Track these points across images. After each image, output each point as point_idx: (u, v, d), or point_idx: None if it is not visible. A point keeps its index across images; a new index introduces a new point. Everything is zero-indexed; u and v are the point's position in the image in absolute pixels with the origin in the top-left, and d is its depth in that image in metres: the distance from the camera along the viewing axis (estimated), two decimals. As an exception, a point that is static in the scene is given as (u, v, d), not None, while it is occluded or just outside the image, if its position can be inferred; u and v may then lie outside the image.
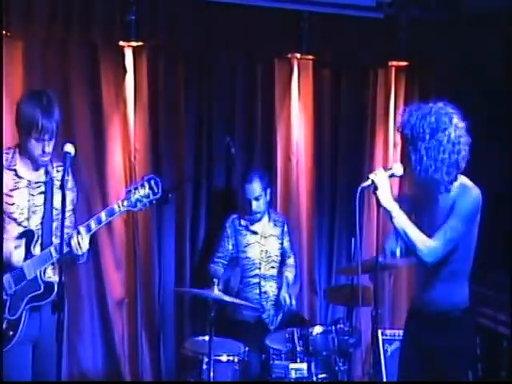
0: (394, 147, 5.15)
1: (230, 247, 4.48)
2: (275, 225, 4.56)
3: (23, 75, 4.25)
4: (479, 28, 4.75)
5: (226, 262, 4.50)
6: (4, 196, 3.17)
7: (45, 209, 3.20)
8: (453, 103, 2.95)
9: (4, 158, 3.21)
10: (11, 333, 3.10)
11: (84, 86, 4.41)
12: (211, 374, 3.60)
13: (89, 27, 4.28)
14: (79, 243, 3.09)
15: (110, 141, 4.50)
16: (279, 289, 4.48)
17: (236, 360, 3.84)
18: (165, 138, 4.64)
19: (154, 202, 3.23)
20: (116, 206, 3.18)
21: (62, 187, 2.97)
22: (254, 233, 4.48)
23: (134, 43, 4.42)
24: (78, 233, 3.09)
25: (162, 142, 4.64)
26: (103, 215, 3.16)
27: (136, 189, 3.19)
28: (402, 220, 2.86)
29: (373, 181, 2.83)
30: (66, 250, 3.08)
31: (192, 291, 4.18)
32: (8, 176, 3.19)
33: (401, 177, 2.94)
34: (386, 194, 2.84)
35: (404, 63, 5.04)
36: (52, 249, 3.12)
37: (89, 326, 4.53)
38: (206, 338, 3.70)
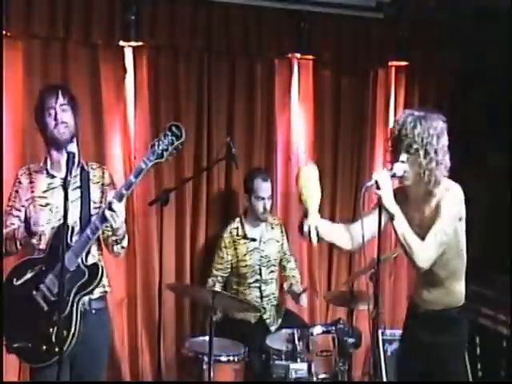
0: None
1: (230, 257, 4.43)
2: (273, 228, 4.54)
3: (23, 75, 4.25)
4: (479, 28, 4.76)
5: (225, 274, 4.46)
6: (36, 199, 3.17)
7: (81, 203, 3.16)
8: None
9: (36, 167, 3.25)
10: (65, 332, 3.00)
11: (84, 86, 4.40)
12: (211, 373, 3.60)
13: (89, 27, 4.27)
14: (115, 212, 3.00)
15: (109, 141, 4.49)
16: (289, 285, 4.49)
17: (236, 360, 3.85)
18: (165, 138, 4.63)
19: (180, 146, 3.11)
20: (142, 164, 3.08)
21: (65, 188, 2.93)
22: (253, 239, 4.45)
23: (133, 43, 4.40)
24: (110, 204, 3.01)
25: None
26: (132, 177, 3.07)
27: (159, 140, 3.08)
28: (402, 223, 2.84)
29: (376, 180, 2.80)
30: (103, 226, 3.06)
31: (193, 291, 4.14)
32: (40, 178, 3.21)
33: (400, 177, 2.93)
34: (389, 195, 2.82)
35: (404, 63, 5.04)
36: (88, 231, 3.06)
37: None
38: (206, 338, 3.71)
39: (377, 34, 4.93)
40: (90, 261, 3.16)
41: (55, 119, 3.12)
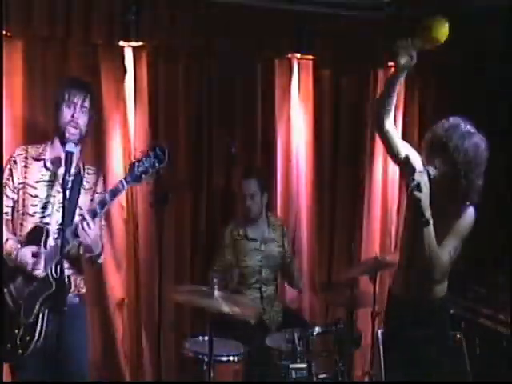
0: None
1: (229, 257, 4.45)
2: (274, 229, 4.55)
3: (23, 75, 4.25)
4: (479, 27, 4.75)
5: (226, 271, 4.48)
6: (27, 187, 3.11)
7: (64, 206, 3.03)
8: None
9: (33, 151, 3.18)
10: (28, 338, 2.99)
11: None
12: (211, 373, 3.60)
13: (89, 27, 4.27)
14: (85, 230, 2.97)
15: (110, 141, 4.49)
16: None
17: (236, 360, 3.84)
18: (165, 138, 4.64)
19: (161, 170, 3.07)
20: (120, 185, 3.04)
21: (63, 187, 2.91)
22: (253, 240, 4.46)
23: (134, 43, 4.41)
24: (83, 219, 2.98)
25: (161, 142, 4.63)
26: (107, 197, 3.03)
27: (140, 161, 3.03)
28: (431, 231, 2.83)
29: (419, 182, 2.73)
30: (75, 241, 3.02)
31: (191, 302, 4.02)
32: (35, 166, 3.13)
33: (431, 179, 2.84)
34: (427, 199, 2.76)
35: (404, 63, 5.02)
36: (59, 242, 2.99)
37: (89, 326, 4.52)
38: (206, 338, 3.70)
39: (377, 34, 4.92)
40: (59, 273, 3.06)
41: (72, 116, 3.08)
